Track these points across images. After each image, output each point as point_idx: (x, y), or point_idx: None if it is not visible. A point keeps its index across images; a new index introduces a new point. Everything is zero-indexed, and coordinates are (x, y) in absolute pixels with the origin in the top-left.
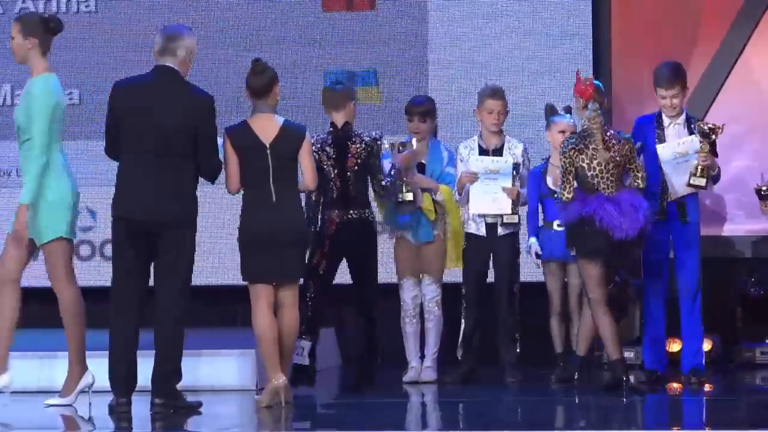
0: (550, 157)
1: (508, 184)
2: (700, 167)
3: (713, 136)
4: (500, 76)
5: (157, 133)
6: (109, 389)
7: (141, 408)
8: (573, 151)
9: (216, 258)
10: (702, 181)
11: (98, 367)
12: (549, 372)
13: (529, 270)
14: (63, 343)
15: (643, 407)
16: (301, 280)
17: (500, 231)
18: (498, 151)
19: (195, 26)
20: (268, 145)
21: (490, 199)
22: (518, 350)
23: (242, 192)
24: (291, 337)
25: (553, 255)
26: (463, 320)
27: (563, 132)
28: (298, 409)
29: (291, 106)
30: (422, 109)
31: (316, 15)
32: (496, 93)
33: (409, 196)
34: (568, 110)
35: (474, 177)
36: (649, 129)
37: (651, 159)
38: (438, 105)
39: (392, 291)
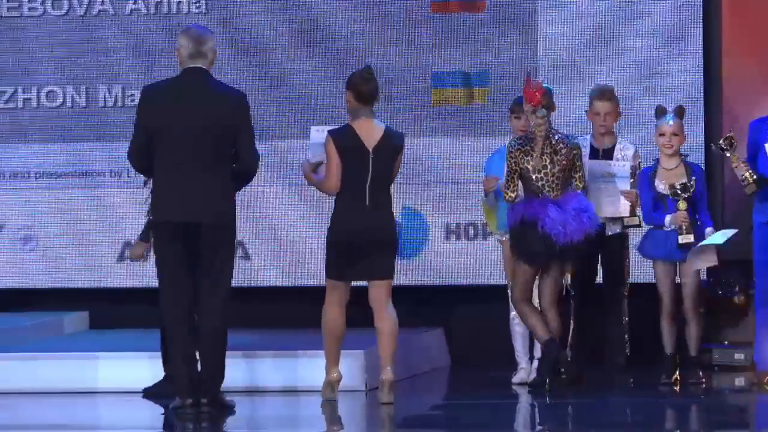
0: (660, 158)
1: (627, 187)
2: None
3: None
4: (611, 77)
5: (192, 134)
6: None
7: None
8: (519, 152)
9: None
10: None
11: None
12: (659, 374)
13: (640, 270)
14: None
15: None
16: None
17: (608, 231)
18: (609, 152)
19: (290, 28)
20: (371, 150)
21: (608, 201)
22: (628, 352)
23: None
24: (394, 335)
25: (662, 255)
26: (572, 321)
27: (663, 135)
28: (408, 410)
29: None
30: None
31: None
32: (604, 94)
33: None
34: (680, 111)
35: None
36: (762, 129)
37: (763, 160)
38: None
39: (502, 292)
